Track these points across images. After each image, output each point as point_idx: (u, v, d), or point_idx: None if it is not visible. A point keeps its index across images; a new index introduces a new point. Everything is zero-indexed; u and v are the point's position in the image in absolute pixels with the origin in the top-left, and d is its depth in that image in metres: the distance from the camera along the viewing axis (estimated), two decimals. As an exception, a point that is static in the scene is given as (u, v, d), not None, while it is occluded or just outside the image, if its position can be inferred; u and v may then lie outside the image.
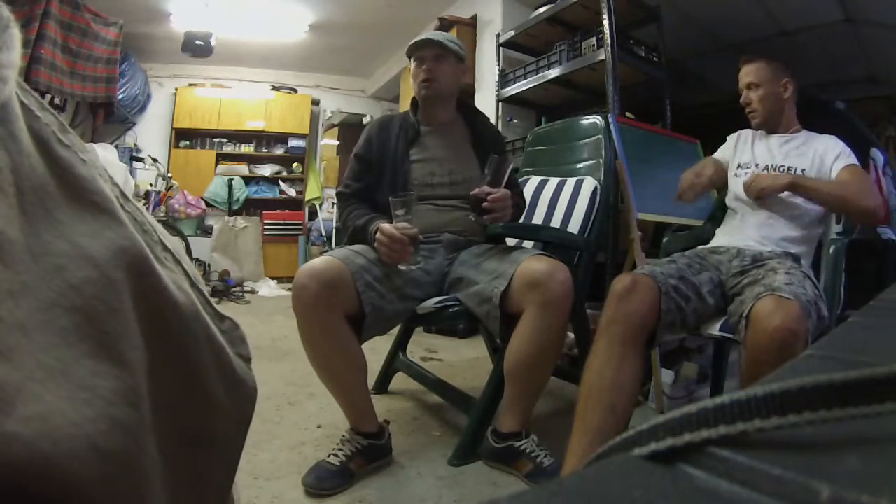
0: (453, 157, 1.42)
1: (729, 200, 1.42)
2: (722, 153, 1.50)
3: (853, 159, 1.27)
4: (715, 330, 1.11)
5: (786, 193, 1.25)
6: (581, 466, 0.16)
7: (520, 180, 1.77)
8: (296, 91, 5.28)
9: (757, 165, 1.36)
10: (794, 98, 1.39)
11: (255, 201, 5.10)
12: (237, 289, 4.01)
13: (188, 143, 5.04)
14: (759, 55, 1.41)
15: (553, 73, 2.70)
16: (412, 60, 1.43)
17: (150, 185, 4.22)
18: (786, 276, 1.02)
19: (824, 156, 1.29)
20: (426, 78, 1.39)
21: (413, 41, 1.41)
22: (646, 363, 1.23)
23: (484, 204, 1.21)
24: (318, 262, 1.16)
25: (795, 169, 1.30)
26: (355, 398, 1.21)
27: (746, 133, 1.47)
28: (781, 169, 1.32)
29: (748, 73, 1.40)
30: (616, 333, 1.00)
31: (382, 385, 1.76)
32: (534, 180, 1.80)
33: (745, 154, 1.42)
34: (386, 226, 1.20)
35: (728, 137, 1.51)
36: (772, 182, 1.24)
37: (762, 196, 1.26)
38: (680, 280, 1.09)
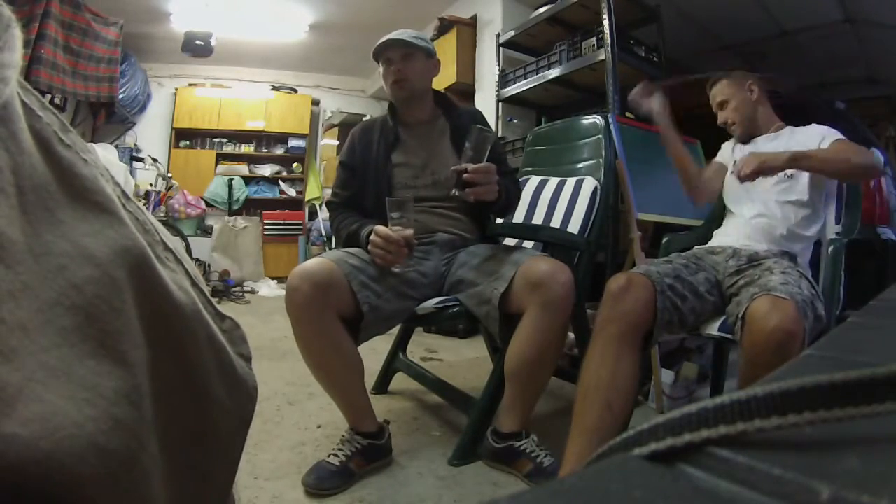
0: (434, 156, 1.39)
1: (727, 201, 1.42)
2: (721, 157, 1.52)
3: (839, 135, 1.26)
4: (714, 330, 1.11)
5: (784, 185, 1.25)
6: (581, 466, 0.16)
7: (520, 180, 1.77)
8: (296, 91, 5.28)
9: None
10: (764, 95, 1.39)
11: (255, 201, 5.10)
12: (237, 289, 4.01)
13: (188, 143, 5.04)
14: (719, 74, 1.42)
15: (553, 73, 2.70)
16: (381, 63, 1.39)
17: (150, 185, 4.21)
18: (781, 275, 1.02)
19: (807, 143, 1.27)
20: (396, 79, 1.36)
21: (378, 43, 1.36)
22: (644, 363, 1.22)
23: (465, 175, 1.14)
24: (309, 263, 1.16)
25: None
26: (353, 398, 1.21)
27: None
28: None
29: (716, 94, 1.42)
30: (612, 333, 1.00)
31: (382, 385, 1.76)
32: (534, 180, 1.80)
33: (740, 156, 1.42)
34: (381, 227, 1.19)
35: (723, 145, 1.53)
36: (772, 158, 1.18)
37: (761, 171, 1.17)
38: (676, 279, 1.09)
